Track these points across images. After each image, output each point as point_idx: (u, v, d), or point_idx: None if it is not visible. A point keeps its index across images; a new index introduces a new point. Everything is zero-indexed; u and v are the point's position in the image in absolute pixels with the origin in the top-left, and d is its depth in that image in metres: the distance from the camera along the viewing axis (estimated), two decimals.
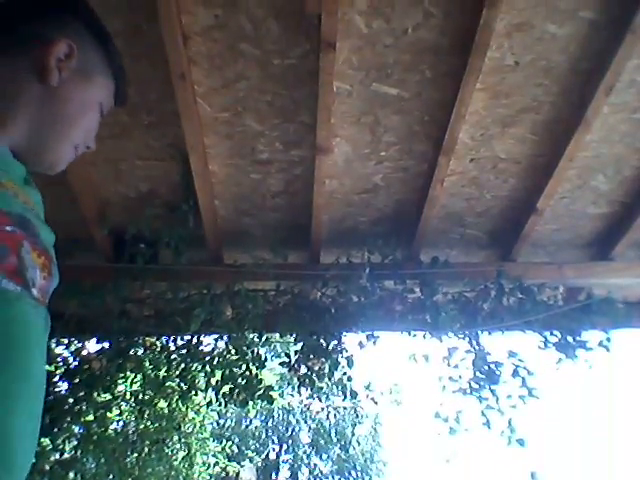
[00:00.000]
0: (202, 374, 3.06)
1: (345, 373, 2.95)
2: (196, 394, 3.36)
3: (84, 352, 3.05)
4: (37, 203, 0.92)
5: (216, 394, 2.96)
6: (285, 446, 14.46)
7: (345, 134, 2.36)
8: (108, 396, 3.67)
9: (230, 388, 2.91)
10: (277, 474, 14.09)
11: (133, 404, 4.51)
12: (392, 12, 1.90)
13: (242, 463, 12.04)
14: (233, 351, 2.91)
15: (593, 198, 2.75)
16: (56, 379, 2.98)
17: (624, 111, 2.31)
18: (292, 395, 13.08)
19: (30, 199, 0.87)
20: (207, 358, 2.95)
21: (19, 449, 0.68)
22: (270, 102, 2.20)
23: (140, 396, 4.21)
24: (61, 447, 4.05)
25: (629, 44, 1.98)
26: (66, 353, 3.10)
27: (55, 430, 2.99)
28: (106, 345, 2.89)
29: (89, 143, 0.98)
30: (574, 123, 2.30)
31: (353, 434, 14.38)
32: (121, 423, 5.46)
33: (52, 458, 3.99)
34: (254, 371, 2.91)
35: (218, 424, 12.68)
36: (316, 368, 2.83)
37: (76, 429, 4.21)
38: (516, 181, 2.64)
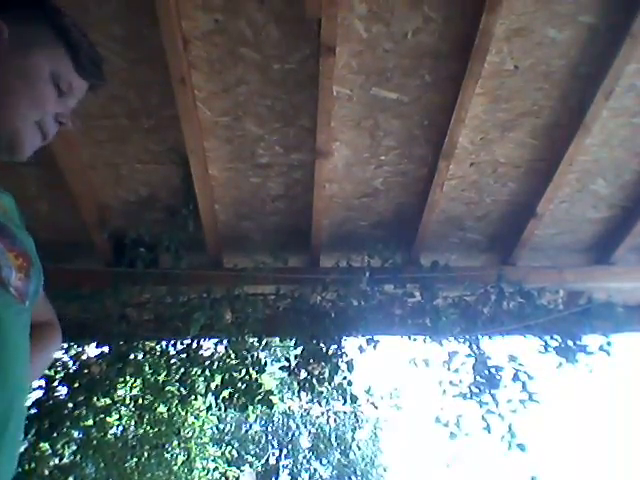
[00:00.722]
0: (202, 378, 3.05)
1: (345, 377, 2.94)
2: (196, 398, 3.35)
3: (84, 356, 3.04)
4: (10, 208, 0.93)
5: (216, 398, 2.95)
6: (285, 451, 14.41)
7: (345, 138, 2.36)
8: (108, 401, 3.65)
9: (230, 392, 2.90)
10: (277, 479, 14.04)
11: (133, 409, 4.50)
12: (392, 17, 1.91)
13: (242, 468, 12.01)
14: (233, 355, 2.90)
15: (593, 202, 2.75)
16: (55, 384, 2.97)
17: (624, 115, 2.31)
18: (292, 399, 13.04)
19: (2, 204, 0.88)
20: (207, 362, 2.94)
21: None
22: (270, 106, 2.20)
23: (140, 401, 4.19)
24: (60, 452, 4.04)
25: (628, 49, 1.99)
26: (66, 357, 3.09)
27: (54, 435, 2.97)
28: (106, 349, 2.88)
29: (60, 118, 0.95)
30: (574, 127, 2.30)
31: (353, 439, 14.33)
32: (120, 428, 5.44)
33: (51, 463, 3.97)
34: (254, 375, 2.90)
35: (218, 429, 12.64)
36: (316, 372, 2.82)
37: (75, 434, 4.20)
38: (516, 185, 2.65)
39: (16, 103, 0.88)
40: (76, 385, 2.93)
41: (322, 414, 14.15)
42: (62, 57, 0.94)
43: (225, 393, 2.91)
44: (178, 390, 3.29)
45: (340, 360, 2.83)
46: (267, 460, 14.04)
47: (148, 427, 5.45)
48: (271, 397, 2.96)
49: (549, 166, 2.50)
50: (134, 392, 4.21)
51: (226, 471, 8.68)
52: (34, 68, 0.90)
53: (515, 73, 2.12)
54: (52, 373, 3.00)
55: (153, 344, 3.10)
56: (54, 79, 0.92)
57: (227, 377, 2.90)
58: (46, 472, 3.82)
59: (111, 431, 5.11)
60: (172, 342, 2.95)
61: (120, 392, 4.11)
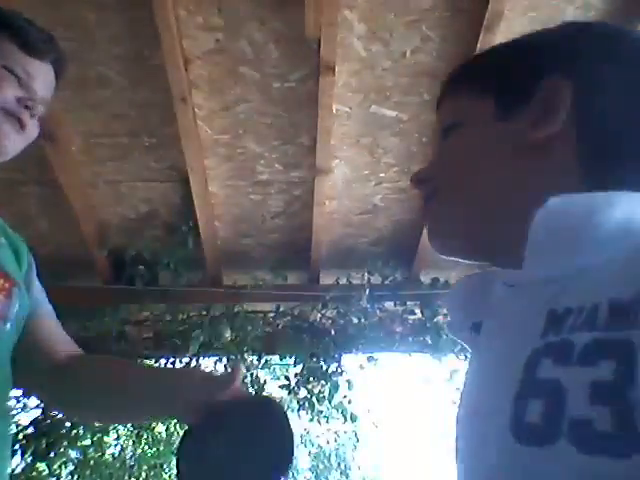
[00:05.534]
0: None
1: (345, 396, 2.92)
2: None
3: None
4: None
5: None
6: None
7: (344, 155, 2.38)
8: None
9: None
10: None
11: (130, 428, 4.45)
12: (390, 36, 1.93)
13: None
14: None
15: None
16: None
17: None
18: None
19: None
20: None
21: None
22: (270, 124, 2.22)
23: None
24: (57, 472, 3.98)
25: None
26: None
27: (51, 455, 2.94)
28: None
29: (25, 102, 0.91)
30: None
31: (354, 458, 14.16)
32: (118, 447, 5.37)
33: None
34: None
35: None
36: (316, 391, 2.79)
37: (73, 454, 4.14)
38: None
39: None
40: None
41: (322, 433, 13.99)
42: (7, 46, 0.91)
43: None
44: None
45: (340, 378, 2.81)
46: None
47: (146, 447, 5.38)
48: None
49: None
50: None
51: None
52: None
53: None
54: None
55: (152, 362, 3.08)
56: (6, 68, 0.90)
57: None
58: None
59: (109, 451, 5.04)
60: (171, 360, 2.92)
61: None
